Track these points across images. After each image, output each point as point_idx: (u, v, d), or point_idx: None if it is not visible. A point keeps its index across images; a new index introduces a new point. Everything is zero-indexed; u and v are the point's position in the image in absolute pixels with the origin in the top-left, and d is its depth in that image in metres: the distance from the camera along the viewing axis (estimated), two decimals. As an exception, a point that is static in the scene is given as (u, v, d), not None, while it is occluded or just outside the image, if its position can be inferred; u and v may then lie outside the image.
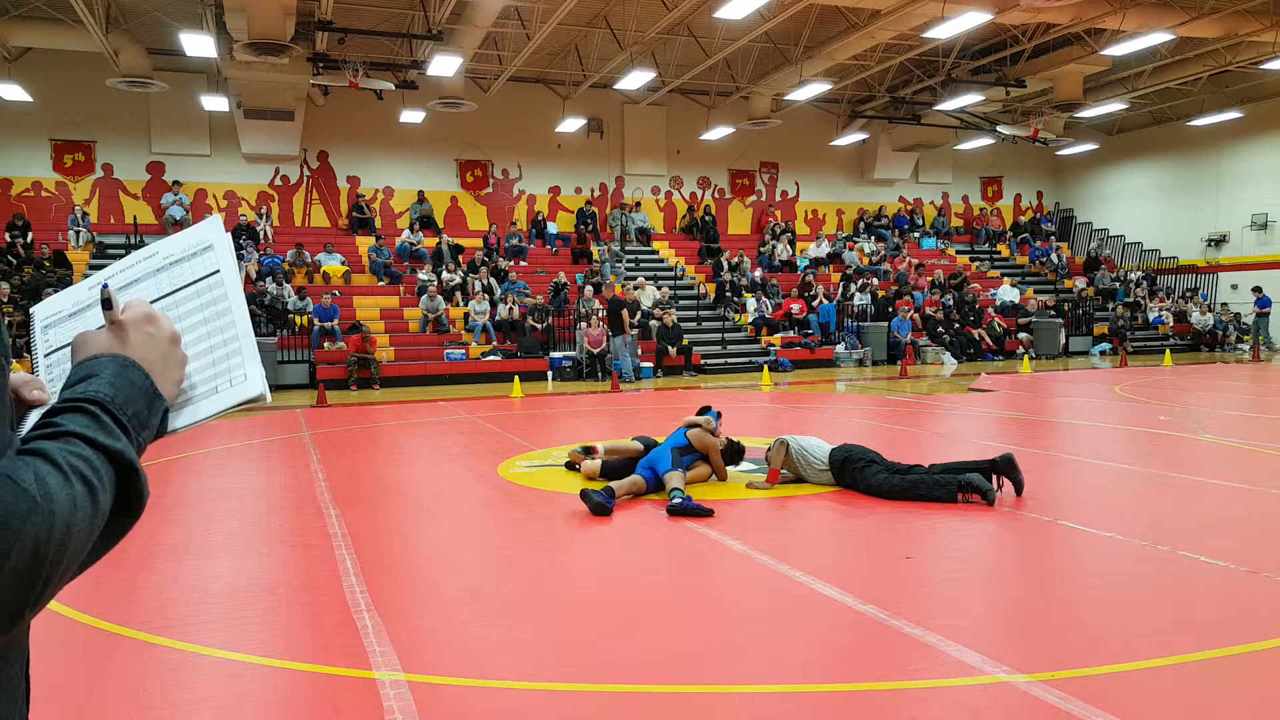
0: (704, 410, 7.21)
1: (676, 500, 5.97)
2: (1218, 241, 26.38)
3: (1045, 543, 5.26)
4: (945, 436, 9.70)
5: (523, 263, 22.60)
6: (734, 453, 7.09)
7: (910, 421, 10.92)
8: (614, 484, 6.29)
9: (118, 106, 20.82)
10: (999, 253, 28.50)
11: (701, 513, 5.85)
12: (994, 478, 6.23)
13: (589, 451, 7.47)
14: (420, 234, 22.38)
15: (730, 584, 4.55)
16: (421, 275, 20.49)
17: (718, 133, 24.53)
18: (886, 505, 6.13)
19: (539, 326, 19.42)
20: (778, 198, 27.53)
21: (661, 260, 24.46)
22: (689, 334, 20.46)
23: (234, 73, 18.12)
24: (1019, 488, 6.23)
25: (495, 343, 19.03)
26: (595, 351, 18.52)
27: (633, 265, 23.59)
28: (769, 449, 7.02)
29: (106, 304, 1.00)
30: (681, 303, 22.02)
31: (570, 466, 7.63)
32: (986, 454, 6.82)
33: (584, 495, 6.02)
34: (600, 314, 19.19)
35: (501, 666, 3.45)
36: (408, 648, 3.63)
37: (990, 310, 23.44)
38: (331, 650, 3.64)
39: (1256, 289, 23.49)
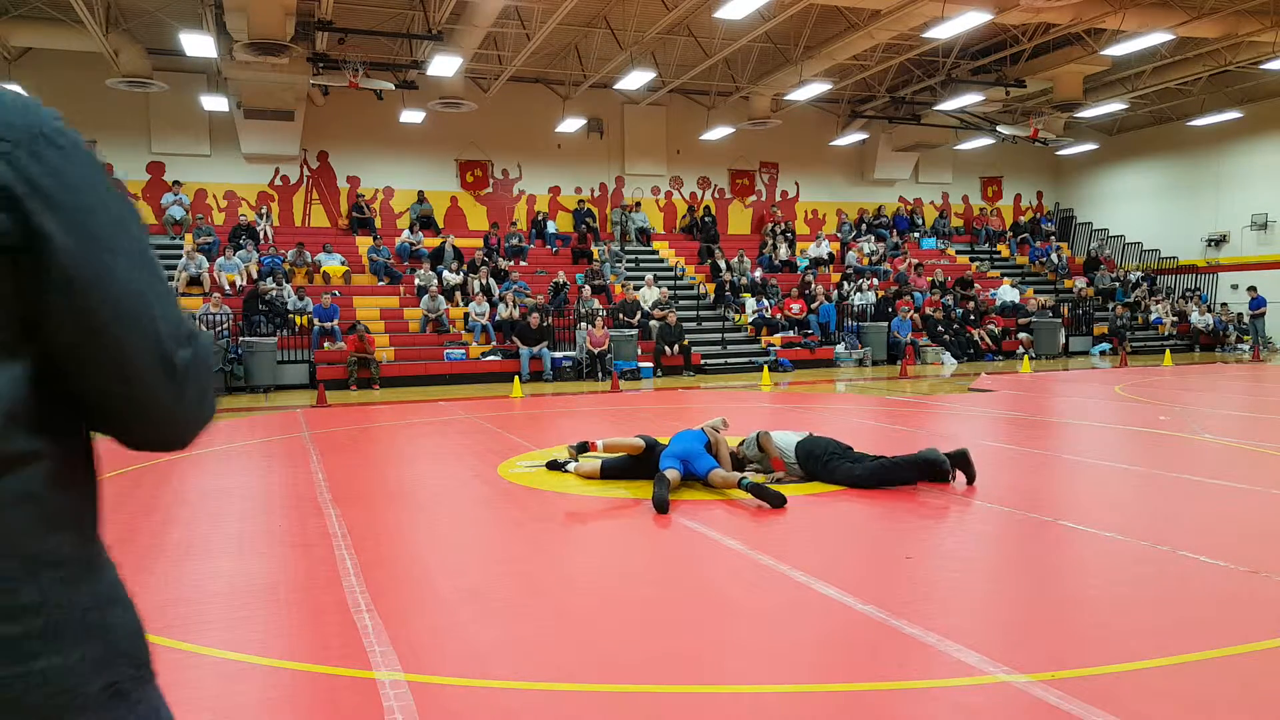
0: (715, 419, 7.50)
1: (748, 481, 6.25)
2: (1218, 241, 26.38)
3: (1045, 543, 5.26)
4: (945, 436, 9.69)
5: (523, 263, 22.59)
6: (737, 464, 7.21)
7: (910, 421, 10.92)
8: (667, 475, 6.31)
9: (118, 106, 20.81)
10: (999, 253, 28.50)
11: (776, 500, 6.00)
12: (952, 470, 6.65)
13: (584, 448, 7.44)
14: (420, 234, 22.38)
15: (730, 584, 4.55)
16: (420, 276, 20.46)
17: (718, 133, 24.53)
18: (884, 504, 6.14)
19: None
20: (778, 198, 27.53)
21: (661, 260, 24.46)
22: (689, 334, 20.46)
23: (234, 73, 18.12)
24: (971, 479, 6.60)
25: (495, 343, 19.04)
26: (596, 351, 18.54)
27: (633, 265, 23.60)
28: (743, 445, 7.26)
29: None
30: (681, 303, 22.02)
31: (553, 466, 7.61)
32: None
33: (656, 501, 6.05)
34: (602, 314, 19.21)
35: (501, 666, 3.45)
36: (408, 648, 3.63)
37: (989, 313, 23.46)
38: (331, 650, 3.64)
39: (1251, 289, 23.48)
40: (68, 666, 0.94)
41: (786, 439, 7.08)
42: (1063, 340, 22.94)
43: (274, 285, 19.02)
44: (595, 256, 23.33)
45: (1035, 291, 24.97)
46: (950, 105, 22.89)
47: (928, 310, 22.77)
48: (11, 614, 0.91)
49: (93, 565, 1.00)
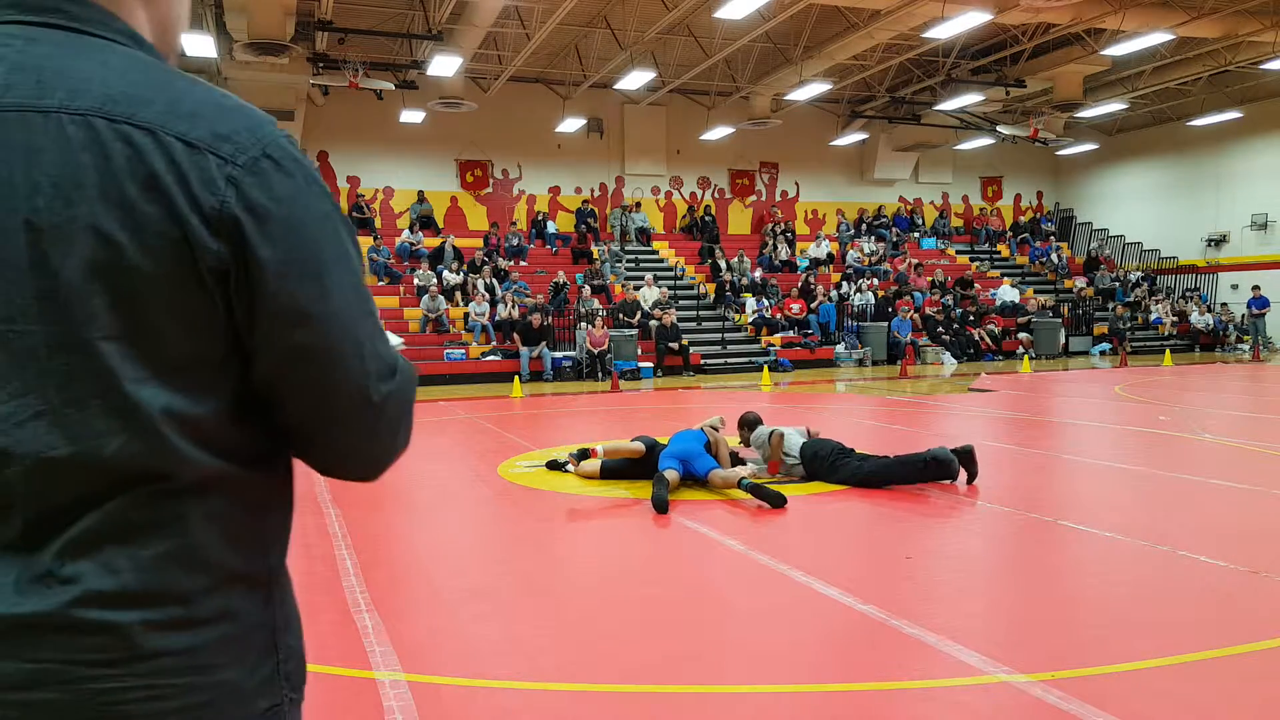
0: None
1: (748, 481, 6.29)
2: (1218, 241, 26.36)
3: (1045, 543, 5.26)
4: (946, 437, 9.68)
5: (523, 263, 22.59)
6: (736, 459, 7.25)
7: (910, 421, 10.92)
8: (667, 475, 6.33)
9: (118, 106, 20.77)
10: (999, 253, 28.48)
11: (776, 500, 6.02)
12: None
13: (585, 455, 7.43)
14: (420, 234, 22.38)
15: (730, 584, 4.55)
16: (420, 276, 20.43)
17: (718, 133, 24.52)
18: (885, 504, 6.14)
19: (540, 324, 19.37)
20: (778, 198, 27.52)
21: (661, 260, 24.45)
22: (689, 334, 20.45)
23: (234, 73, 18.10)
24: (972, 477, 6.60)
25: (495, 343, 19.03)
26: (596, 351, 18.53)
27: (633, 265, 23.59)
28: (751, 432, 7.38)
29: None
30: (681, 303, 22.00)
31: (553, 466, 7.61)
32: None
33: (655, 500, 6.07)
34: (602, 314, 19.19)
35: (501, 666, 3.45)
36: (408, 648, 3.63)
37: (989, 313, 23.45)
38: (331, 650, 3.64)
39: (1255, 288, 23.46)
40: (241, 683, 0.94)
41: (791, 439, 7.14)
42: (1063, 340, 22.92)
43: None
44: (595, 256, 23.33)
45: (1035, 291, 24.95)
46: (950, 105, 22.88)
47: (928, 310, 22.76)
48: (196, 624, 0.91)
49: (275, 587, 1.01)
